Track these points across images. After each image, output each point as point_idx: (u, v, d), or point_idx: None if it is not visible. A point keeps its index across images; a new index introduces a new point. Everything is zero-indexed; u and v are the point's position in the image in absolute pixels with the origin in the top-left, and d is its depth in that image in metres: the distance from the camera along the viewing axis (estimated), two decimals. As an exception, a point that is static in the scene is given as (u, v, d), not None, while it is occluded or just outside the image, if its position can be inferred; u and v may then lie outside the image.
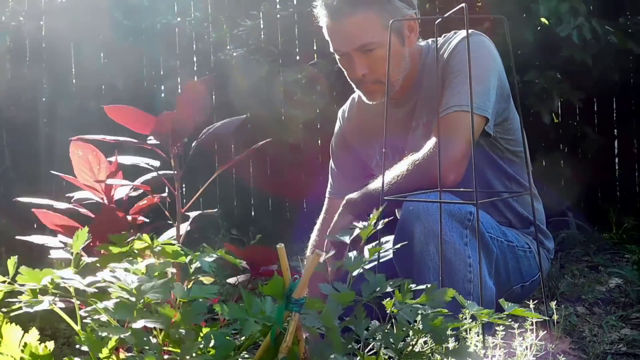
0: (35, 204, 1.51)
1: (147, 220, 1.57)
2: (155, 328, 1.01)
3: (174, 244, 1.14)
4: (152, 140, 1.42)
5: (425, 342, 1.07)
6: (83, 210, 1.53)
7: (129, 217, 1.52)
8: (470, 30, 1.85)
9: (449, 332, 1.03)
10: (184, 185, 4.34)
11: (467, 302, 1.07)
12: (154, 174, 1.46)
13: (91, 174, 1.53)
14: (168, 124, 1.37)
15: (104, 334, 0.92)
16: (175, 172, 1.40)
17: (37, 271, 1.00)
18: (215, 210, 1.53)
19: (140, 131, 1.44)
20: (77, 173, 1.55)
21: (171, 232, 1.52)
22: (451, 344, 1.06)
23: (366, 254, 1.88)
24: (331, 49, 1.92)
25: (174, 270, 1.17)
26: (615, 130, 4.05)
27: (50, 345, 1.01)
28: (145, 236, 1.13)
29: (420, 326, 1.03)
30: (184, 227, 1.44)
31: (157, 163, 1.41)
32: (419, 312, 1.04)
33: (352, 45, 1.84)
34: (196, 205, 1.53)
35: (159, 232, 1.56)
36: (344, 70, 1.94)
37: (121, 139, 1.39)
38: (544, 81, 3.52)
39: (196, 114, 1.39)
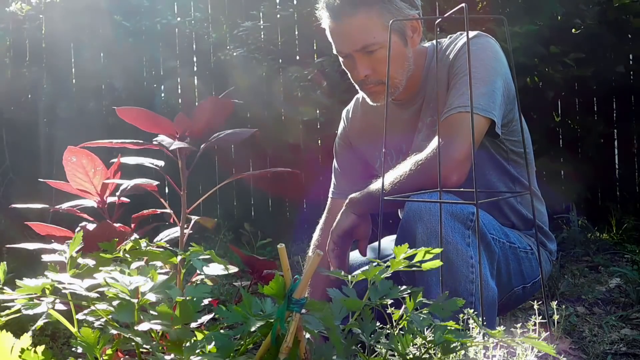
0: (33, 209, 1.56)
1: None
2: (152, 329, 1.00)
3: (165, 246, 1.15)
4: (157, 140, 1.43)
5: (428, 342, 1.07)
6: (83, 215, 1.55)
7: (117, 225, 1.53)
8: (476, 32, 1.85)
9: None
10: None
11: (476, 318, 1.07)
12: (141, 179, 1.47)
13: (86, 177, 1.54)
14: (183, 126, 1.37)
15: (111, 332, 0.92)
16: (182, 173, 1.39)
17: (35, 280, 0.99)
18: (215, 220, 1.53)
19: (149, 130, 1.44)
20: (70, 178, 1.56)
21: (167, 232, 1.52)
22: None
23: (369, 254, 1.89)
24: (334, 51, 1.92)
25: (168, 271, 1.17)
26: (615, 131, 4.06)
27: (40, 349, 1.00)
28: (136, 240, 1.14)
29: (431, 337, 1.03)
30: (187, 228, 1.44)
31: (161, 163, 1.40)
32: (431, 323, 1.04)
33: (354, 46, 1.83)
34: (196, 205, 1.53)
35: (157, 231, 1.56)
36: (347, 72, 1.93)
37: (127, 141, 1.39)
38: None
39: (211, 125, 1.41)
